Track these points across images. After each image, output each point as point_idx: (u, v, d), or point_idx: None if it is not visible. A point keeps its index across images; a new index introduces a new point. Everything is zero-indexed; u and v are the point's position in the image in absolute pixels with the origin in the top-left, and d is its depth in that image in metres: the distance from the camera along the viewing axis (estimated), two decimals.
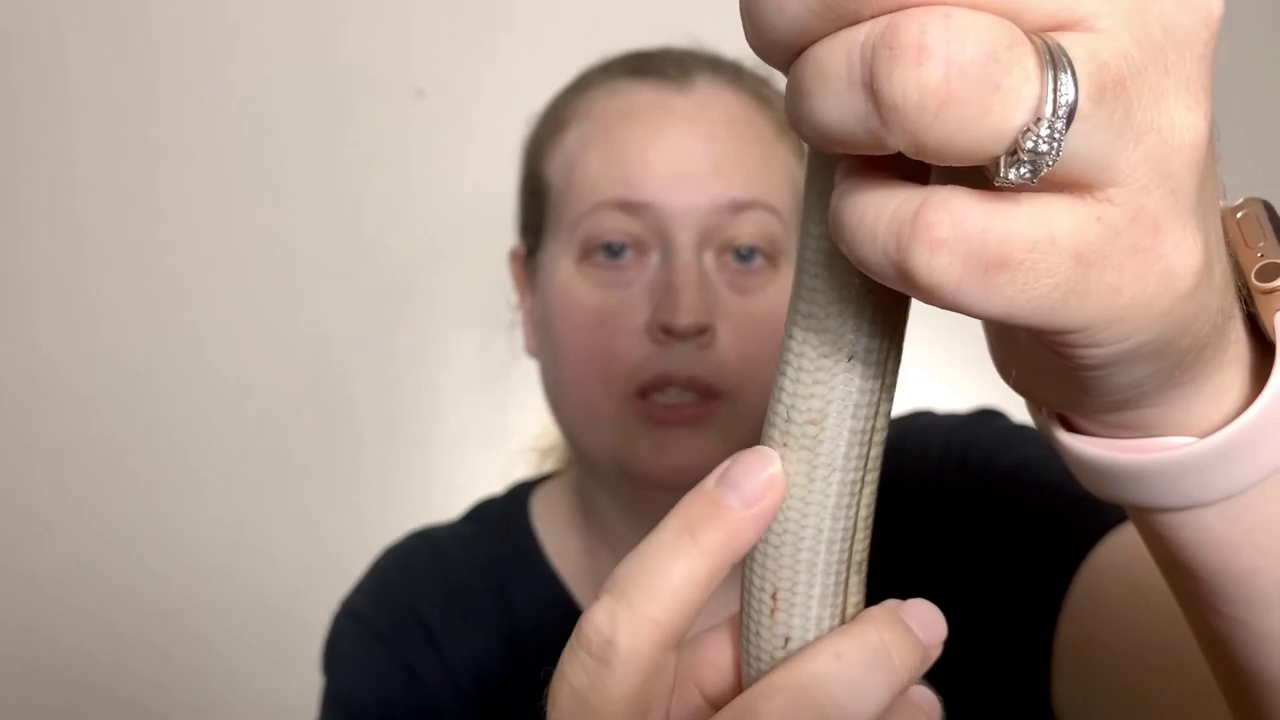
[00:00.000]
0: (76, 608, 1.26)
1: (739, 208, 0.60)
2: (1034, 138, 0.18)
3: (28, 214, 1.25)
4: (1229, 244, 0.25)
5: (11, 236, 1.25)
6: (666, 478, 0.59)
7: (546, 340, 0.65)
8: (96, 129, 1.24)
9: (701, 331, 0.58)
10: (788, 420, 0.27)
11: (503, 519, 0.72)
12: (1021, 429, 0.59)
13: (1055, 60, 0.18)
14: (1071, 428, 0.27)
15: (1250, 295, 0.25)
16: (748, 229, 0.60)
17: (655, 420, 0.59)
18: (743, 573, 0.29)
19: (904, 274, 0.20)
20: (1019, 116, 0.18)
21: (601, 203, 0.60)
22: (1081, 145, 0.19)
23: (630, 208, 0.60)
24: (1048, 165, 0.19)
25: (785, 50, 0.21)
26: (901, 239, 0.20)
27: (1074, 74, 0.18)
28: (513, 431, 1.25)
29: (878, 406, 0.27)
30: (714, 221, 0.59)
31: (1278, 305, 0.25)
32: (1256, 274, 0.25)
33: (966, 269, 0.19)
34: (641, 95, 0.63)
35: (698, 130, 0.61)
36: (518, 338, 1.26)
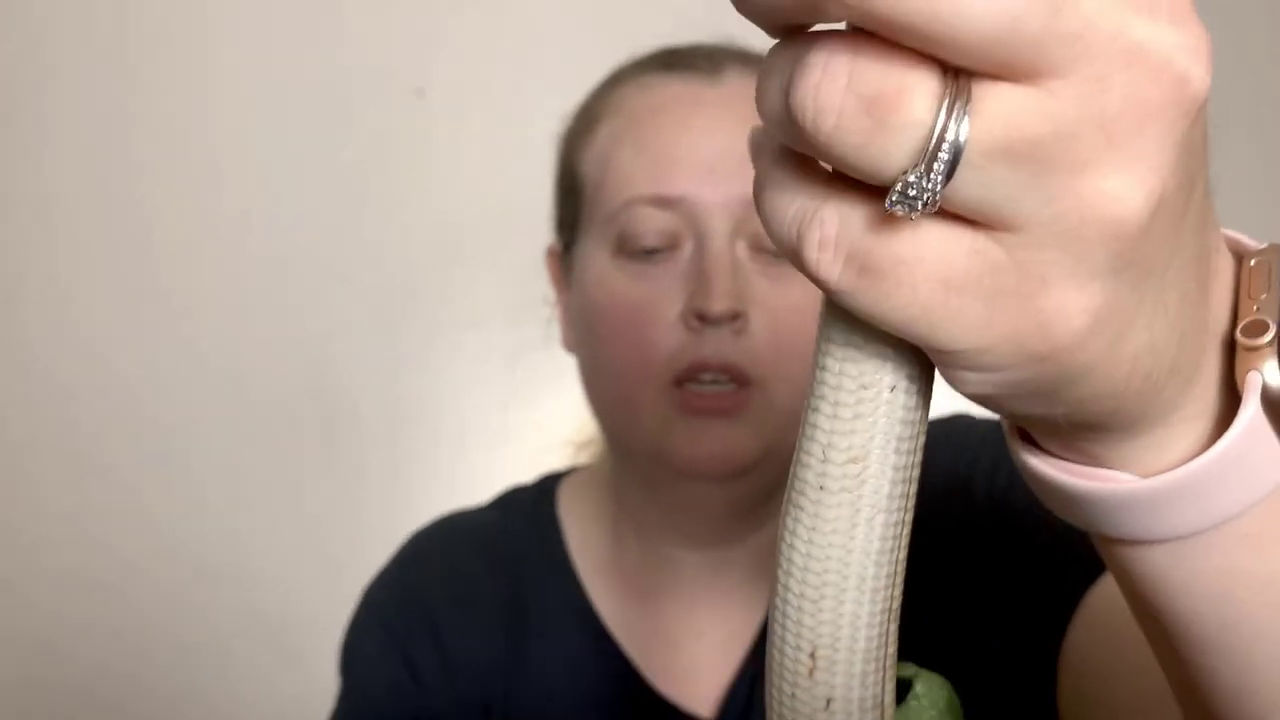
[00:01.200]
0: (75, 612, 1.26)
1: None
2: (913, 181, 0.19)
3: (26, 215, 1.25)
4: (1235, 289, 0.24)
5: (9, 238, 1.25)
6: (701, 466, 0.60)
7: (583, 334, 0.66)
8: (96, 129, 1.23)
9: (735, 317, 0.59)
10: (824, 460, 0.24)
11: (528, 507, 0.73)
12: None
13: (952, 112, 0.18)
14: (1033, 440, 0.27)
15: (1232, 350, 0.24)
16: None
17: (690, 409, 0.60)
18: (770, 628, 0.26)
19: (798, 263, 0.21)
20: (899, 157, 0.19)
21: (634, 198, 0.61)
22: (973, 193, 0.19)
23: (663, 202, 0.60)
24: (922, 207, 0.19)
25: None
26: (800, 230, 0.21)
27: (968, 128, 0.18)
28: (513, 431, 1.25)
29: (918, 439, 0.25)
30: (746, 212, 0.59)
31: (1254, 363, 0.24)
32: (1243, 328, 0.24)
33: (845, 269, 0.20)
34: (672, 89, 0.64)
35: (728, 121, 0.61)
36: (518, 336, 1.26)
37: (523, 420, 1.24)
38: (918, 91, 0.18)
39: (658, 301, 0.60)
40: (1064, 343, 0.20)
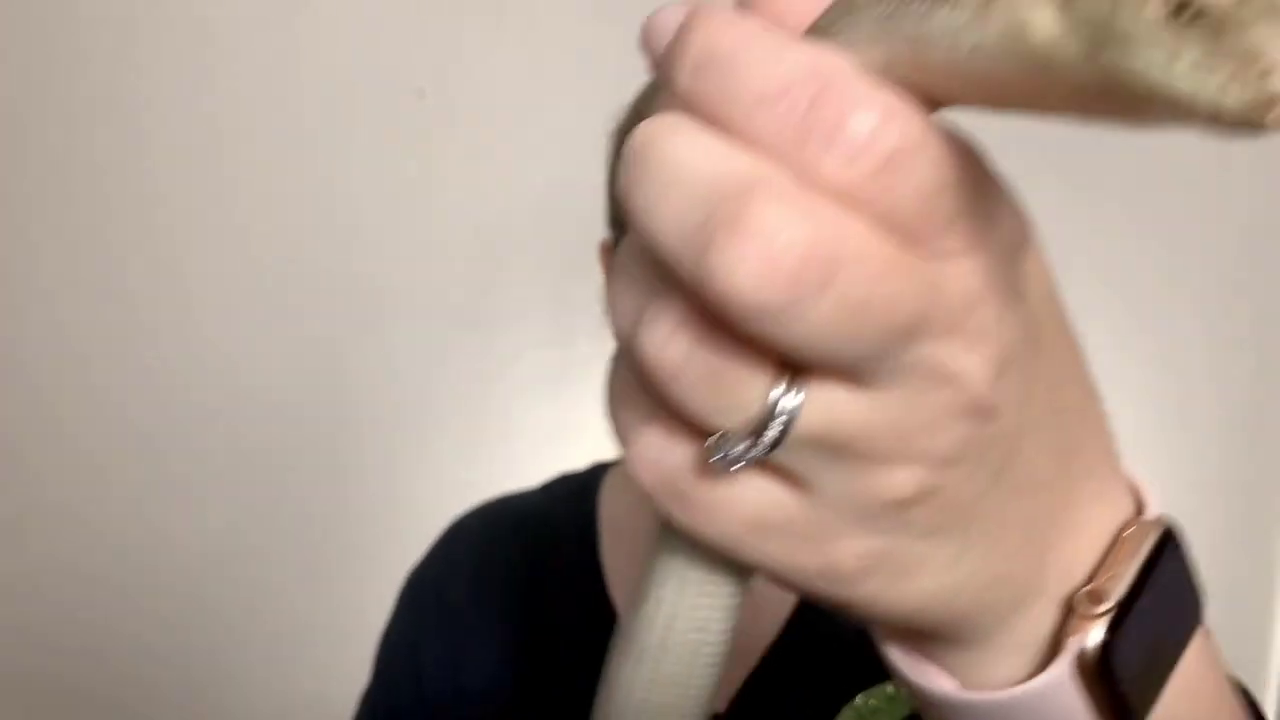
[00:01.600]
0: (73, 611, 1.26)
1: None
2: (736, 449, 0.20)
3: (26, 215, 1.25)
4: (1106, 551, 0.26)
5: (10, 238, 1.25)
6: None
7: None
8: (95, 128, 1.23)
9: None
10: (668, 628, 0.26)
11: (572, 497, 0.73)
12: None
13: (785, 400, 0.19)
14: None
15: (1070, 610, 0.25)
16: None
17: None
18: None
19: (625, 460, 0.23)
20: (727, 424, 0.20)
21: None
22: (784, 462, 0.21)
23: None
24: (737, 469, 0.21)
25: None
26: (626, 438, 0.23)
27: (797, 416, 0.20)
28: (513, 431, 1.25)
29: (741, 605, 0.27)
30: None
31: (1081, 627, 0.25)
32: (1086, 593, 0.25)
33: (662, 492, 0.22)
34: None
35: None
36: (518, 336, 1.26)
37: (523, 420, 1.24)
38: (755, 380, 0.19)
39: None
40: (846, 579, 0.23)
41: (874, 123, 0.17)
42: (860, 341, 0.18)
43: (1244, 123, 0.15)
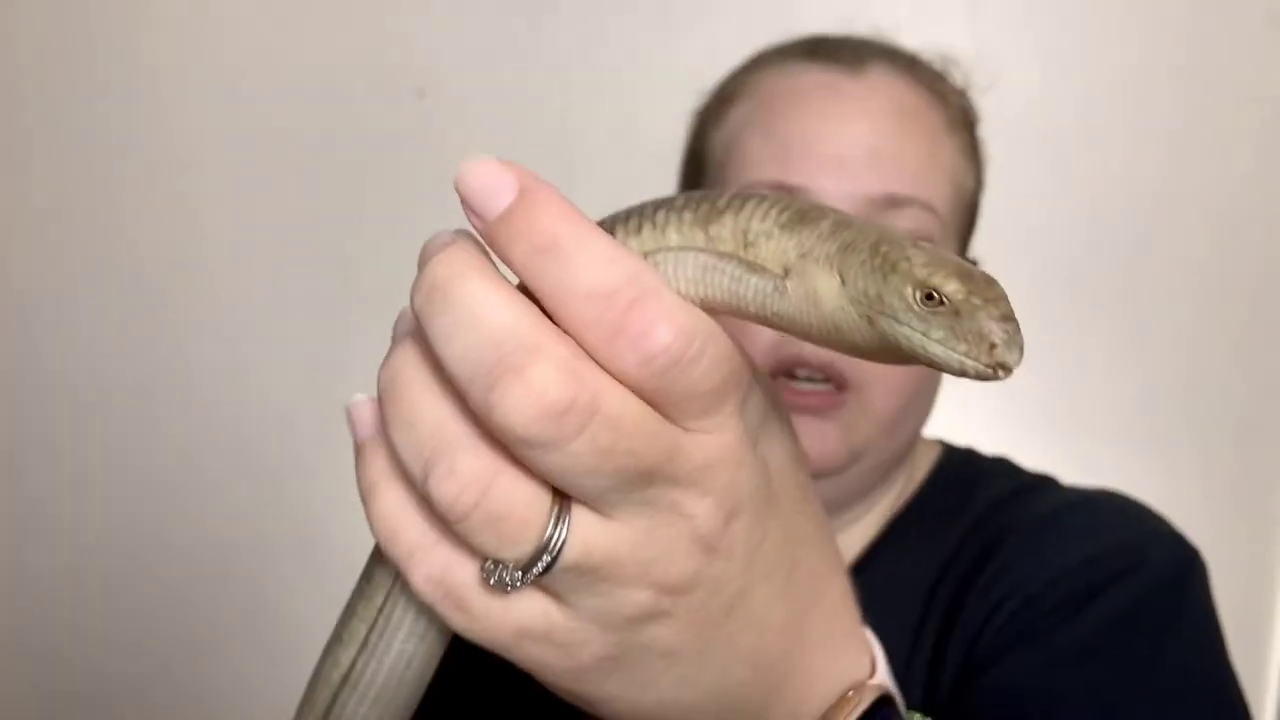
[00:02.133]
0: (73, 610, 1.26)
1: (895, 203, 0.58)
2: (511, 575, 0.24)
3: (25, 215, 1.25)
4: (832, 704, 0.30)
5: (10, 239, 1.25)
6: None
7: None
8: (94, 128, 1.23)
9: None
10: (376, 659, 0.29)
11: None
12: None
13: (555, 537, 0.23)
14: None
15: None
16: (902, 226, 0.58)
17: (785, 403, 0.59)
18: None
19: (405, 573, 0.26)
20: (504, 555, 0.24)
21: (756, 183, 0.59)
22: (548, 581, 0.24)
23: (783, 190, 0.58)
24: (510, 590, 0.24)
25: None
26: (408, 556, 0.26)
27: (563, 550, 0.24)
28: None
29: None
30: (867, 213, 0.58)
31: None
32: None
33: (443, 600, 0.25)
34: (811, 77, 0.62)
35: (862, 116, 0.60)
36: None
37: None
38: (532, 522, 0.23)
39: None
40: (591, 679, 0.26)
41: (669, 337, 0.22)
42: (605, 476, 0.23)
43: (983, 378, 0.23)
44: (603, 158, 1.17)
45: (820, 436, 0.60)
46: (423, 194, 1.25)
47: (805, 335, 0.25)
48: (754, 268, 0.25)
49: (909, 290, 0.23)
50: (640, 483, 0.23)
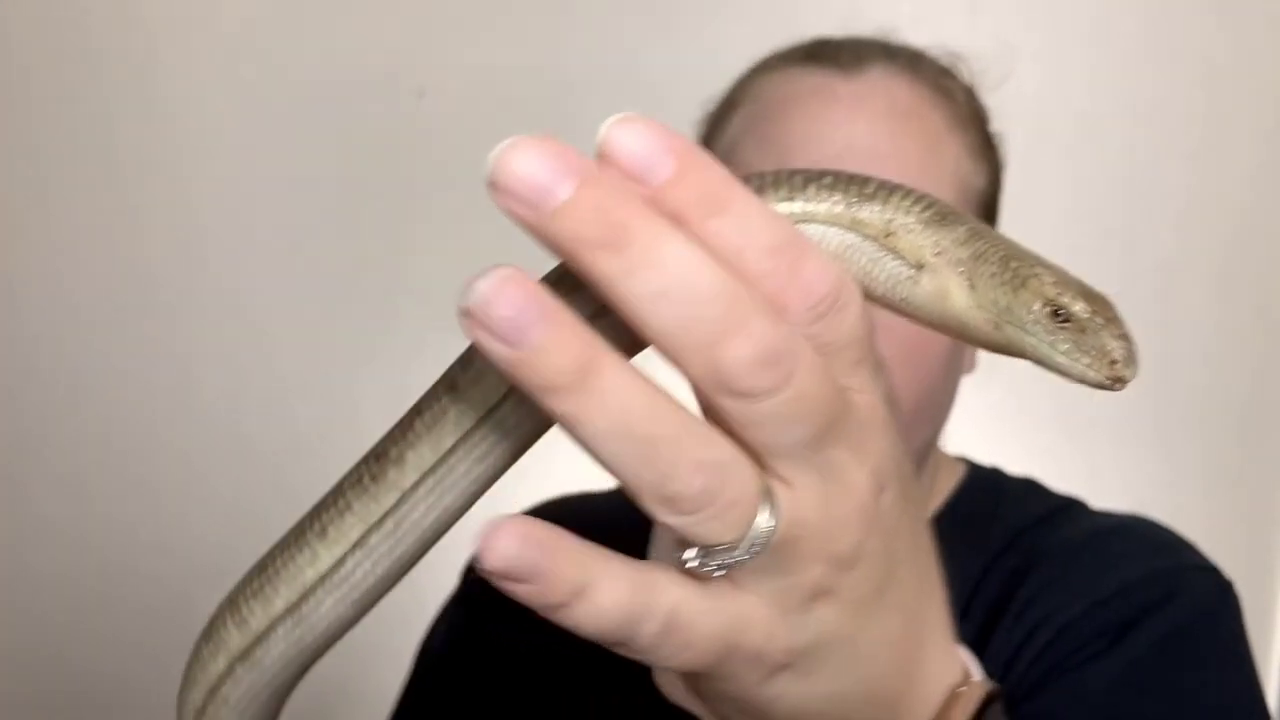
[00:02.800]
0: (72, 612, 1.26)
1: None
2: (711, 563, 0.24)
3: (24, 213, 1.25)
4: (945, 703, 0.31)
5: (7, 236, 1.25)
6: None
7: None
8: (94, 128, 1.23)
9: None
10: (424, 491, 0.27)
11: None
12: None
13: (763, 526, 0.24)
14: None
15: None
16: None
17: None
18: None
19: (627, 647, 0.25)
20: (724, 539, 0.23)
21: None
22: (744, 568, 0.24)
23: None
24: (719, 572, 0.24)
25: None
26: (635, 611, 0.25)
27: (775, 531, 0.24)
28: None
29: None
30: None
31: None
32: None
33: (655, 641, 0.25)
34: (807, 81, 0.62)
35: (858, 117, 0.60)
36: None
37: None
38: (753, 502, 0.23)
39: None
40: (766, 672, 0.26)
41: (826, 286, 0.23)
42: (803, 427, 0.23)
43: (1101, 388, 0.26)
44: None
45: None
46: (423, 194, 1.25)
47: (924, 323, 0.27)
48: (891, 255, 0.27)
49: (1038, 305, 0.26)
50: (821, 441, 0.24)
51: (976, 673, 0.33)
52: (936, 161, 0.61)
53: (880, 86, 0.61)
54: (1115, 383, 0.26)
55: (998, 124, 0.69)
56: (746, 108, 0.64)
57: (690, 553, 0.24)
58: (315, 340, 1.24)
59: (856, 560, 0.25)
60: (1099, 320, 0.26)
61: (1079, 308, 0.26)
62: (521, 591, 0.23)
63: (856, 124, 0.59)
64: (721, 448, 0.23)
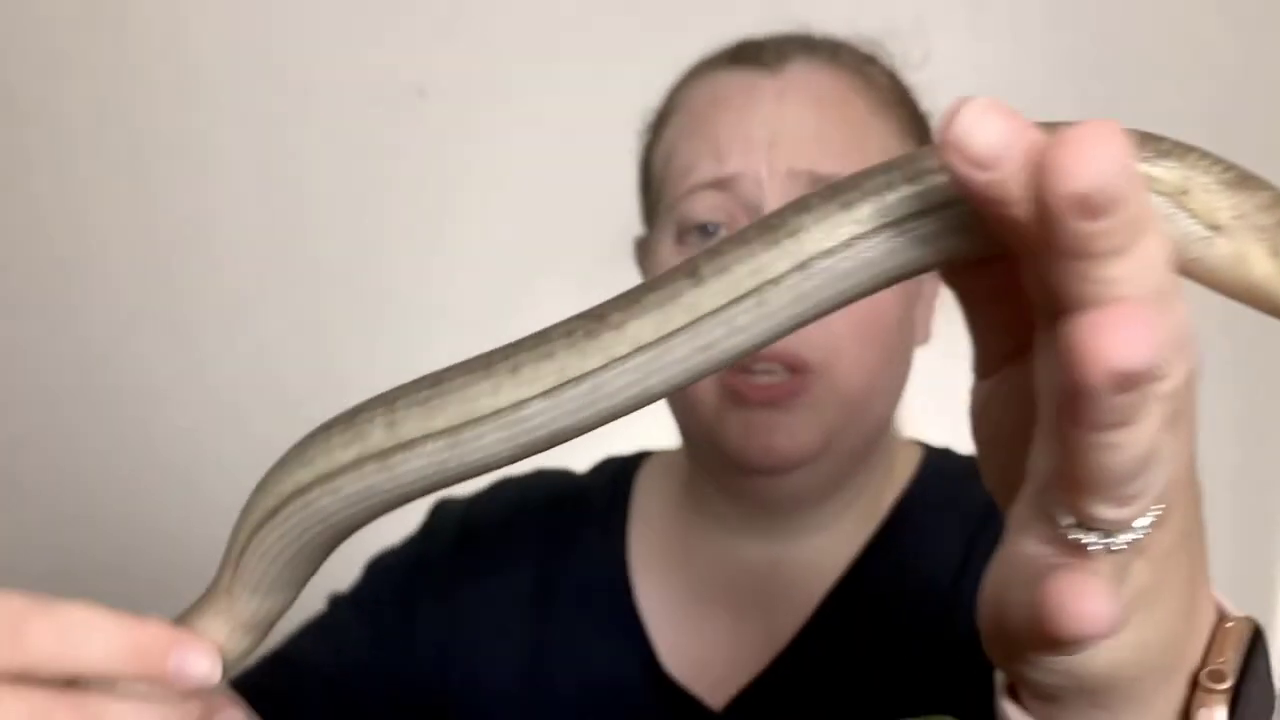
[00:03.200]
0: None
1: (819, 181, 0.60)
2: (1110, 538, 0.24)
3: (27, 212, 1.25)
4: (1210, 642, 0.31)
5: (13, 235, 1.25)
6: (754, 459, 0.60)
7: None
8: (95, 127, 1.23)
9: None
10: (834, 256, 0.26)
11: (610, 476, 0.73)
12: None
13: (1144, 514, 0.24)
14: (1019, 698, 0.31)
15: (1194, 687, 0.30)
16: None
17: (742, 399, 0.59)
18: None
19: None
20: (1120, 526, 0.24)
21: (695, 185, 0.62)
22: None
23: (720, 184, 0.61)
24: (1110, 551, 0.24)
25: None
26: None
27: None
28: None
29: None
30: (799, 187, 0.60)
31: (1207, 702, 0.29)
32: (1208, 673, 0.30)
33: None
34: (733, 81, 0.65)
35: (785, 107, 0.62)
36: (519, 334, 1.26)
37: None
38: (1143, 504, 0.24)
39: None
40: (1130, 631, 0.27)
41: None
42: (1188, 389, 0.24)
43: None
44: (602, 158, 1.17)
45: (789, 431, 0.59)
46: (423, 194, 1.25)
47: (1213, 287, 0.26)
48: (1184, 213, 0.26)
49: None
50: (1186, 392, 0.24)
51: (1231, 607, 0.32)
52: (862, 144, 0.63)
53: (802, 79, 0.64)
54: None
55: (930, 103, 0.70)
56: (679, 115, 0.67)
57: (1090, 536, 0.24)
58: (315, 339, 1.25)
59: (1171, 514, 0.25)
60: None
61: None
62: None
63: (784, 115, 0.62)
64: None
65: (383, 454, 0.29)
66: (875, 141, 0.64)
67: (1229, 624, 0.31)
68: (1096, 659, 0.27)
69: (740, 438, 0.60)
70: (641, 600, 0.66)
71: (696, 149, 0.63)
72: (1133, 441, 0.22)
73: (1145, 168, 0.25)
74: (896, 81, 0.68)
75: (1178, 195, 0.26)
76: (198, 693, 0.33)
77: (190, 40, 1.22)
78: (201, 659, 0.32)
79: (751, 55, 0.66)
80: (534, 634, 0.67)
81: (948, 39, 1.26)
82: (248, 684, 0.57)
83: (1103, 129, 0.21)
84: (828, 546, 0.65)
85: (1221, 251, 0.26)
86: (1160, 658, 0.29)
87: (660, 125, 0.69)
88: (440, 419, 0.28)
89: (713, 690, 0.63)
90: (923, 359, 0.68)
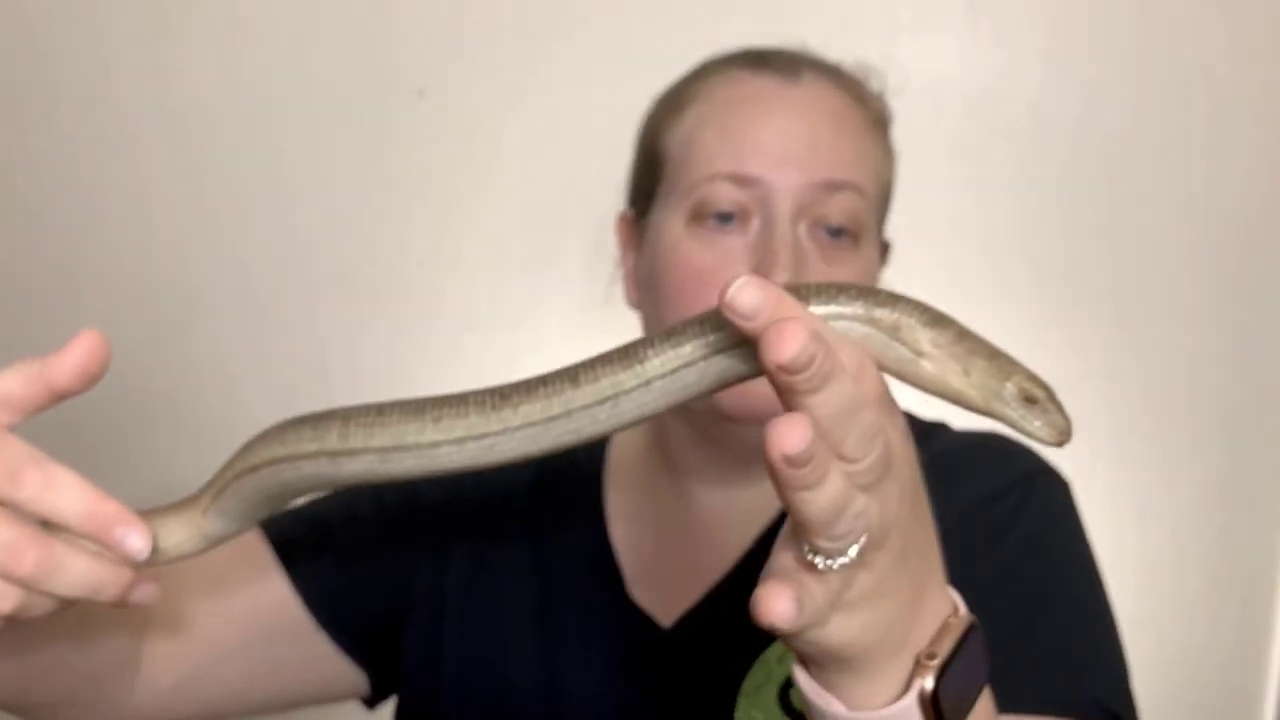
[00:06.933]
0: None
1: (833, 187, 0.69)
2: (830, 560, 0.36)
3: (27, 210, 1.25)
4: (938, 631, 0.42)
5: (12, 235, 1.25)
6: (752, 405, 0.66)
7: (651, 292, 0.74)
8: (96, 127, 1.23)
9: None
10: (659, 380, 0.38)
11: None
12: (1069, 542, 0.69)
13: (867, 526, 0.36)
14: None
15: (917, 663, 0.41)
16: (838, 207, 0.69)
17: None
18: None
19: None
20: (845, 542, 0.36)
21: (716, 174, 0.69)
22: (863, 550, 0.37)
23: (741, 180, 0.68)
24: (832, 569, 0.36)
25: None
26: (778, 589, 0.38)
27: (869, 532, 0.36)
28: None
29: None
30: (811, 197, 0.68)
31: (921, 675, 0.40)
32: (924, 653, 0.41)
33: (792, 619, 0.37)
34: (756, 84, 0.72)
35: (803, 118, 0.70)
36: (525, 335, 1.26)
37: None
38: (858, 528, 0.36)
39: (725, 267, 0.68)
40: (847, 610, 0.38)
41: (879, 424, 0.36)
42: (881, 458, 0.35)
43: (1052, 444, 0.39)
44: (601, 157, 1.17)
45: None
46: (422, 194, 1.25)
47: (926, 392, 0.39)
48: (898, 344, 0.38)
49: (1016, 391, 0.38)
50: (884, 474, 0.36)
51: (962, 608, 0.43)
52: (862, 154, 0.71)
53: (814, 92, 0.71)
54: (1061, 443, 0.39)
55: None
56: (699, 105, 0.73)
57: (818, 558, 0.36)
58: (315, 338, 1.25)
59: (884, 542, 0.37)
60: (1052, 404, 0.39)
61: (1042, 395, 0.38)
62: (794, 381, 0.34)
63: (802, 122, 0.70)
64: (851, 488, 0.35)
65: (333, 453, 0.40)
66: (871, 155, 0.73)
67: (953, 619, 0.42)
68: (832, 635, 0.38)
69: (738, 394, 0.64)
70: (615, 539, 0.76)
71: (719, 141, 0.70)
72: (816, 499, 0.34)
73: (868, 313, 0.38)
74: (882, 105, 0.76)
75: (893, 331, 0.38)
76: (133, 564, 0.43)
77: (190, 40, 1.22)
78: (139, 538, 0.42)
79: (768, 63, 0.73)
80: (515, 586, 0.76)
81: (948, 39, 1.27)
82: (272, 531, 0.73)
83: (788, 327, 0.32)
84: (770, 494, 0.70)
85: (927, 369, 0.38)
86: (885, 638, 0.39)
87: (677, 110, 0.74)
88: (377, 440, 0.40)
89: (666, 611, 0.72)
90: None
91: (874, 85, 0.76)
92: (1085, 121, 1.19)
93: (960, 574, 0.59)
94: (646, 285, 0.74)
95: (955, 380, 0.38)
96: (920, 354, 0.38)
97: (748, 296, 0.33)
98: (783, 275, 0.65)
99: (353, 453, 0.40)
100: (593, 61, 1.20)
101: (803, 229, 0.68)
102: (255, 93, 1.22)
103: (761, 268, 0.66)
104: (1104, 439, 1.17)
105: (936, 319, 0.38)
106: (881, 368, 0.38)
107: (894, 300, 0.38)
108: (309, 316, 1.25)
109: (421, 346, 1.25)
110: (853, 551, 0.35)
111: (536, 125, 1.21)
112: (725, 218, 0.68)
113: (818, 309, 0.37)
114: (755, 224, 0.68)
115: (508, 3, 1.22)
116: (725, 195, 0.68)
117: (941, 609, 0.42)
